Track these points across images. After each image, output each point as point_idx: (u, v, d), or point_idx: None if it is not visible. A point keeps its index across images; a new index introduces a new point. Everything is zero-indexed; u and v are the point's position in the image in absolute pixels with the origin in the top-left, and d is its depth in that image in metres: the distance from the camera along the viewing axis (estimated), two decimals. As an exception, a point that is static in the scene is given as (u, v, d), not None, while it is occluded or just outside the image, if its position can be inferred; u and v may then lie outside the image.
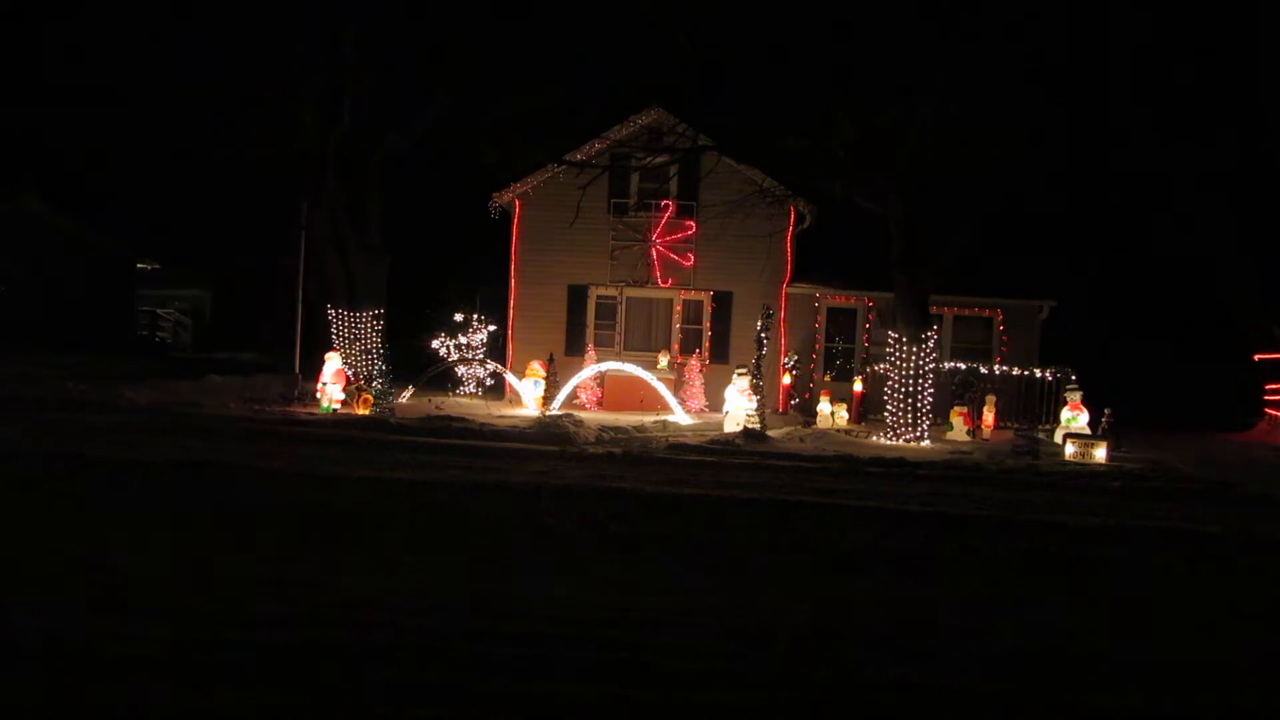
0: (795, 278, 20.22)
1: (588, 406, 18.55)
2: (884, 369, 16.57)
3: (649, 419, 16.05)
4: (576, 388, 18.29)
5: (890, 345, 15.51)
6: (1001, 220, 19.46)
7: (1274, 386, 20.70)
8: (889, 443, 14.85)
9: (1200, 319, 26.66)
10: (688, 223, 20.11)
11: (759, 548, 7.58)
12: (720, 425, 15.36)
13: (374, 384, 16.49)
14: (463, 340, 21.02)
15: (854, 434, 15.74)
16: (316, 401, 16.05)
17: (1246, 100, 19.73)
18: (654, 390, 17.28)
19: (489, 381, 20.68)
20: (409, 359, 20.66)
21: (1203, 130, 20.24)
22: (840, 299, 20.26)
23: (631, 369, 17.75)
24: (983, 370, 17.74)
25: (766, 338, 16.46)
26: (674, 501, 8.57)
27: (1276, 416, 20.43)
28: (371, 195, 19.98)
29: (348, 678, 4.37)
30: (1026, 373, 17.95)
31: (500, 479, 9.30)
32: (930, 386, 15.37)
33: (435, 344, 20.94)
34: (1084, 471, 12.34)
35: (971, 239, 17.15)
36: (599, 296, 20.52)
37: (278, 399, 16.39)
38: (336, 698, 4.13)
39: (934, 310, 17.72)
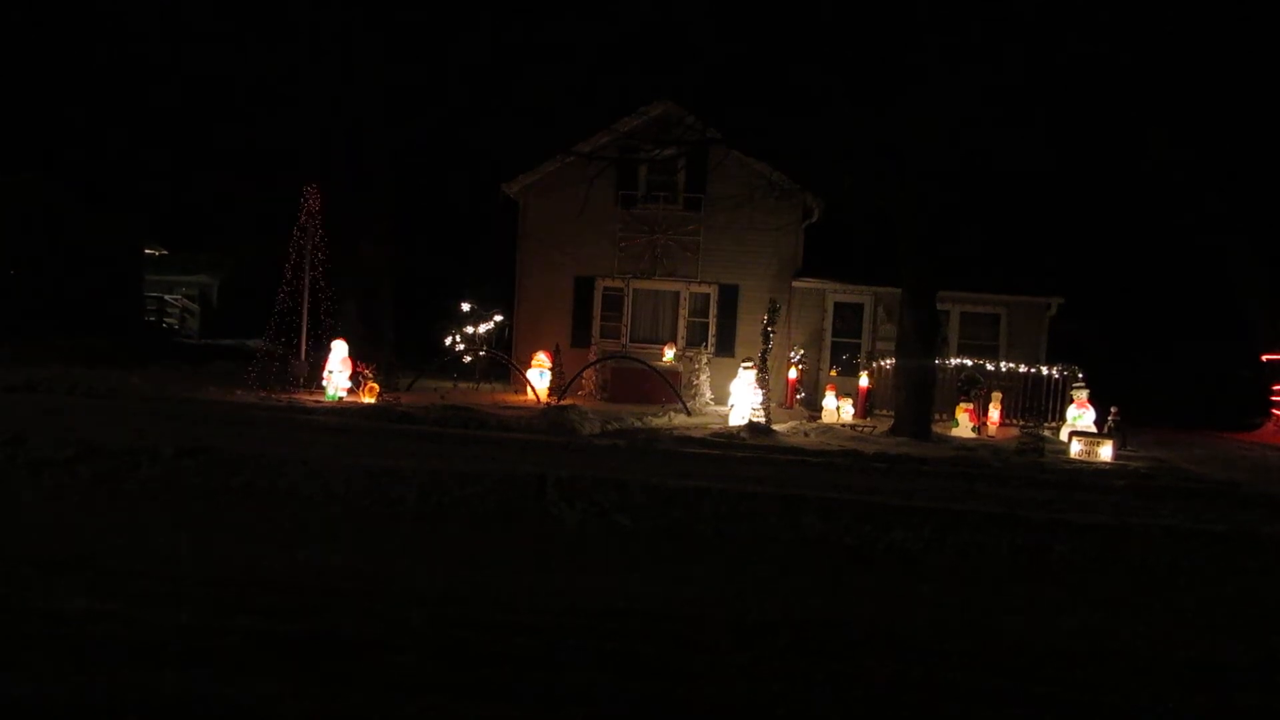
0: (802, 272, 20.19)
1: (593, 398, 18.56)
2: (890, 364, 16.56)
3: (654, 411, 16.06)
4: (582, 379, 18.30)
5: (897, 340, 15.49)
6: (1010, 216, 19.43)
7: (1280, 387, 20.64)
8: (894, 438, 14.82)
9: (1208, 319, 26.57)
10: (695, 215, 20.09)
11: (762, 541, 7.59)
12: (725, 418, 15.36)
13: (380, 372, 16.50)
14: (469, 330, 21.04)
15: (859, 429, 15.72)
16: (323, 389, 16.09)
17: (1256, 95, 19.61)
18: (659, 383, 17.28)
19: (495, 372, 20.70)
20: (416, 348, 20.72)
21: (1213, 125, 20.14)
22: (847, 293, 20.22)
23: (637, 361, 17.75)
24: (989, 367, 17.70)
25: (773, 331, 16.44)
26: (678, 494, 8.57)
27: (1283, 417, 20.36)
28: (380, 183, 20.03)
29: (349, 666, 4.38)
30: (1033, 370, 17.92)
31: (505, 469, 9.31)
32: (936, 382, 15.35)
33: (442, 333, 20.98)
34: (1089, 469, 12.33)
35: (980, 235, 17.12)
36: (605, 288, 20.52)
37: (284, 386, 16.43)
38: (338, 686, 4.15)
39: (941, 306, 17.69)
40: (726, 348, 20.00)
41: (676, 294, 20.47)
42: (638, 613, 5.40)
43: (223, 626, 4.76)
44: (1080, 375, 16.70)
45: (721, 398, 17.68)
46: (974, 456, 12.77)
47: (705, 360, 19.31)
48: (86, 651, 4.36)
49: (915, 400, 15.06)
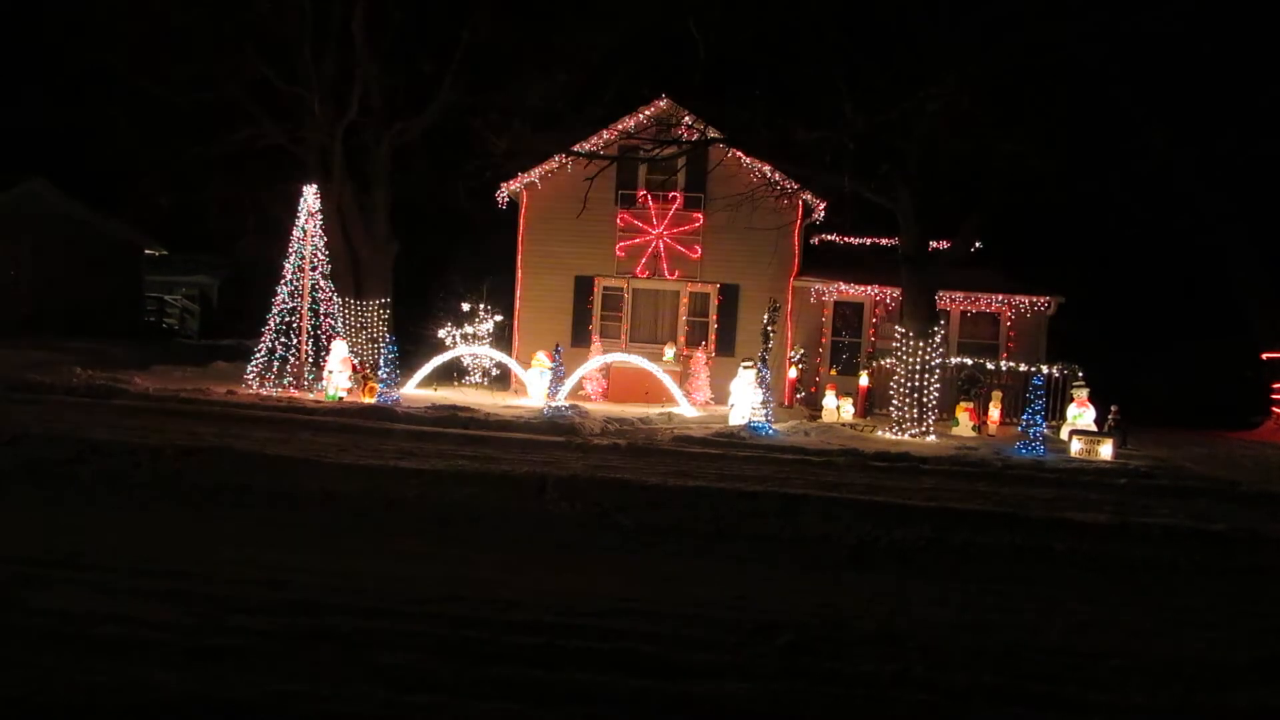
0: (802, 271, 20.18)
1: (593, 398, 18.56)
2: (890, 364, 16.55)
3: (654, 411, 16.06)
4: (582, 379, 18.29)
5: (897, 340, 15.50)
6: (1010, 216, 19.38)
7: (1281, 386, 20.64)
8: (894, 437, 14.83)
9: (1208, 318, 26.55)
10: (695, 215, 20.08)
11: (763, 540, 7.59)
12: (725, 418, 15.36)
13: (380, 372, 16.51)
14: (469, 330, 21.03)
15: (859, 428, 15.72)
16: (323, 389, 16.09)
17: (1258, 93, 19.59)
18: (659, 382, 17.28)
19: (495, 371, 20.69)
20: (415, 347, 20.69)
21: (1214, 125, 20.12)
22: (847, 293, 20.20)
23: (637, 361, 17.75)
24: (989, 366, 17.70)
25: (773, 331, 16.44)
26: (678, 493, 8.58)
27: (1283, 416, 20.36)
28: (379, 183, 20.02)
29: (351, 664, 4.38)
30: (1033, 369, 17.90)
31: (505, 469, 9.32)
32: (936, 382, 15.36)
33: (442, 333, 20.95)
34: (1089, 468, 12.32)
35: (980, 234, 17.08)
36: (605, 287, 20.51)
37: (284, 386, 16.42)
38: (338, 686, 4.15)
39: (941, 305, 17.67)
40: (726, 347, 19.99)
41: (676, 293, 20.46)
42: (638, 612, 5.40)
43: (223, 626, 4.77)
44: (1080, 374, 16.69)
45: (721, 397, 17.67)
46: (974, 455, 12.77)
47: (705, 360, 19.31)
48: (87, 650, 4.36)
49: (915, 400, 15.07)
